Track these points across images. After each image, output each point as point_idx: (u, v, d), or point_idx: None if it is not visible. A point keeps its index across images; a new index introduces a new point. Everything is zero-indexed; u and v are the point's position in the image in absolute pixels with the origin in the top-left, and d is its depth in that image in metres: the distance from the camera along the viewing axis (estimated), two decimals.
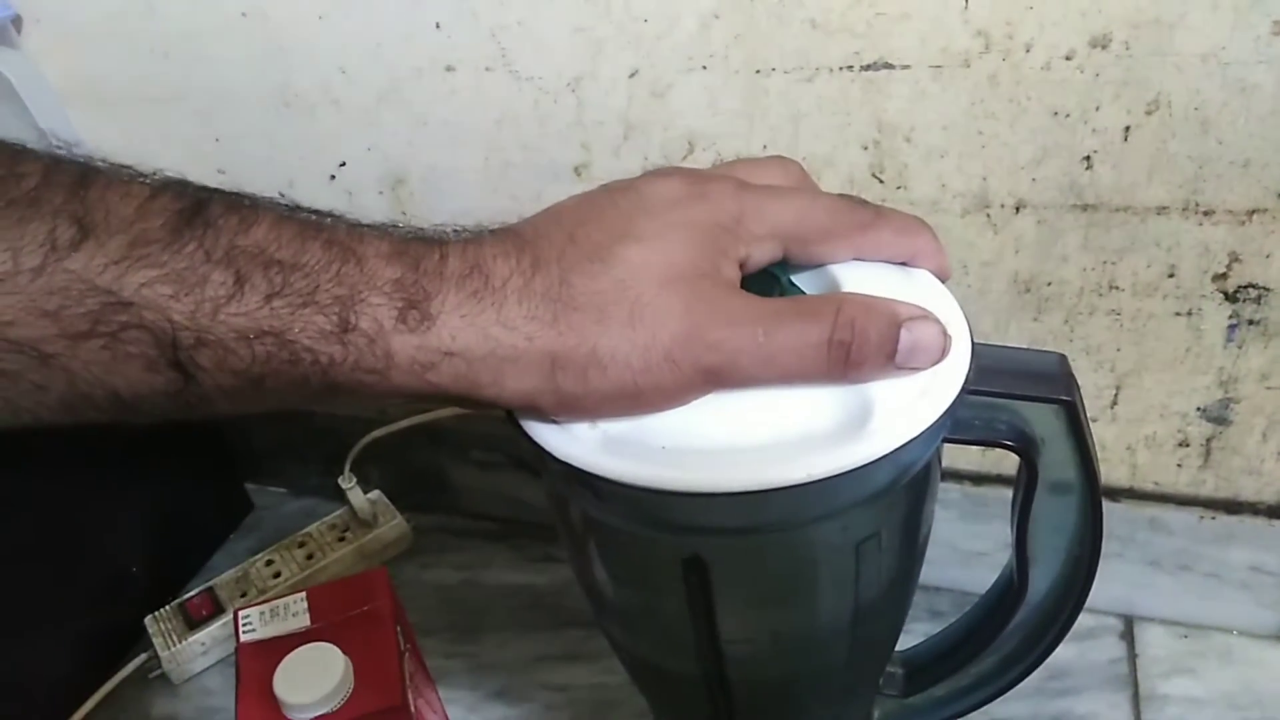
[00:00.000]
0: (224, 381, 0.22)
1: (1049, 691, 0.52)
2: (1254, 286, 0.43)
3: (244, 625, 0.41)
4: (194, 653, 0.61)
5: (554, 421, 0.25)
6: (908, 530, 0.27)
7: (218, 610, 0.62)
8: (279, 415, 0.73)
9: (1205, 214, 0.41)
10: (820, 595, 0.26)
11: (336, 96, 0.51)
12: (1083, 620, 0.54)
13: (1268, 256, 0.42)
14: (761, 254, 0.25)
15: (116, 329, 0.21)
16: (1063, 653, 0.53)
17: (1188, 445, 0.49)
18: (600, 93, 0.46)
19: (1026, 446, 0.27)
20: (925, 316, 0.24)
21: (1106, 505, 0.51)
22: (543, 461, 0.26)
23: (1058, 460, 0.27)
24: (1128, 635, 0.54)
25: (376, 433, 0.64)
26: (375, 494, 0.68)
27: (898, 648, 0.34)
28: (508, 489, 0.65)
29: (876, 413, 0.24)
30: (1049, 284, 0.45)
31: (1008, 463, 0.53)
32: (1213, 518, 0.50)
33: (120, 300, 0.20)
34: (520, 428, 0.26)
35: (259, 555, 0.65)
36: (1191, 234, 0.42)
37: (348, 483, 0.65)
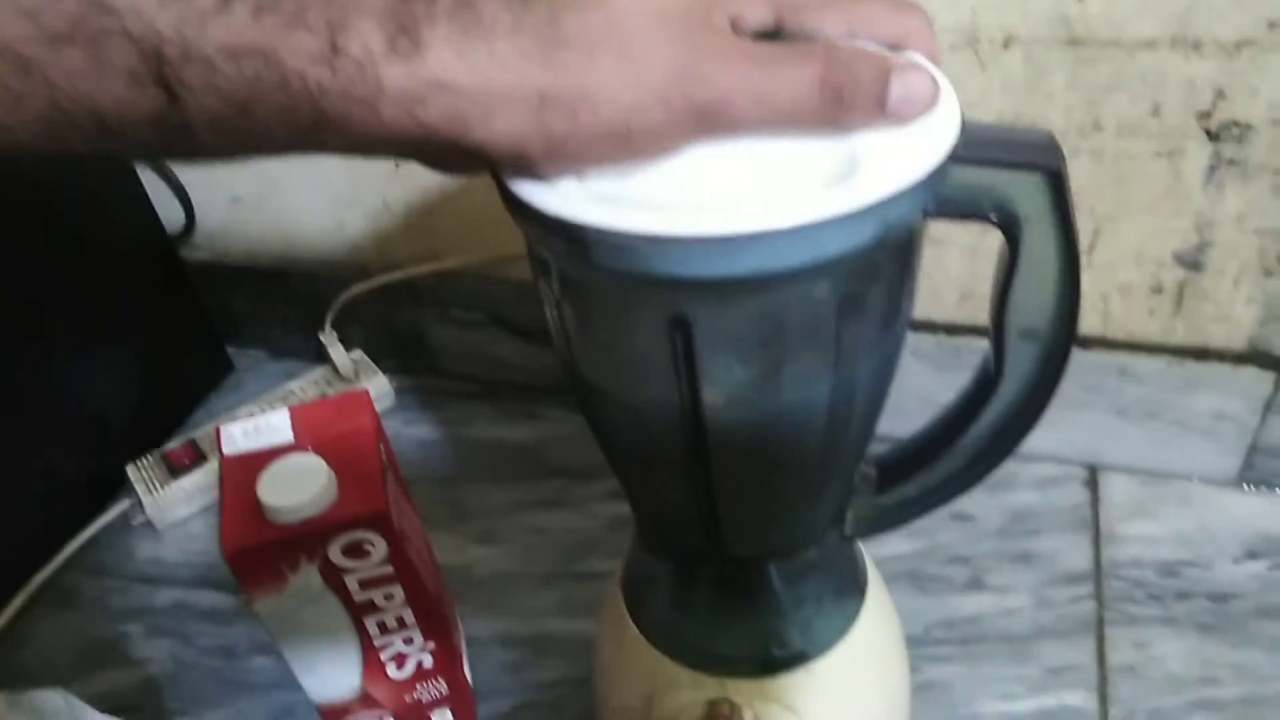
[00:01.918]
0: (209, 104, 0.22)
1: (1013, 533, 0.55)
2: (1237, 124, 0.43)
3: (226, 440, 0.42)
4: (177, 499, 0.61)
5: (541, 180, 0.25)
6: (889, 302, 0.28)
7: (200, 458, 0.62)
8: (259, 275, 0.73)
9: (1194, 47, 0.41)
10: (801, 357, 0.27)
11: None
12: (1047, 469, 0.57)
13: (1253, 92, 0.42)
14: (754, 14, 0.25)
15: (98, 34, 0.20)
16: (1027, 498, 0.56)
17: (1161, 291, 0.50)
18: None
19: (1010, 223, 0.27)
20: (916, 66, 0.24)
21: (1077, 353, 0.52)
22: (527, 220, 0.26)
23: (1040, 239, 0.27)
24: (1091, 483, 0.56)
25: (357, 288, 0.64)
26: (357, 353, 0.69)
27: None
28: (489, 348, 0.66)
29: (863, 166, 0.24)
30: (1034, 124, 0.45)
31: (982, 313, 0.54)
32: (1181, 365, 0.51)
33: (102, 3, 0.20)
34: (506, 188, 0.26)
35: (241, 409, 0.66)
36: (1178, 69, 0.42)
37: (329, 338, 0.65)
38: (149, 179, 0.65)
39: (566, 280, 0.28)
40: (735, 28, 0.25)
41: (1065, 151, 0.26)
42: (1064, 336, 0.29)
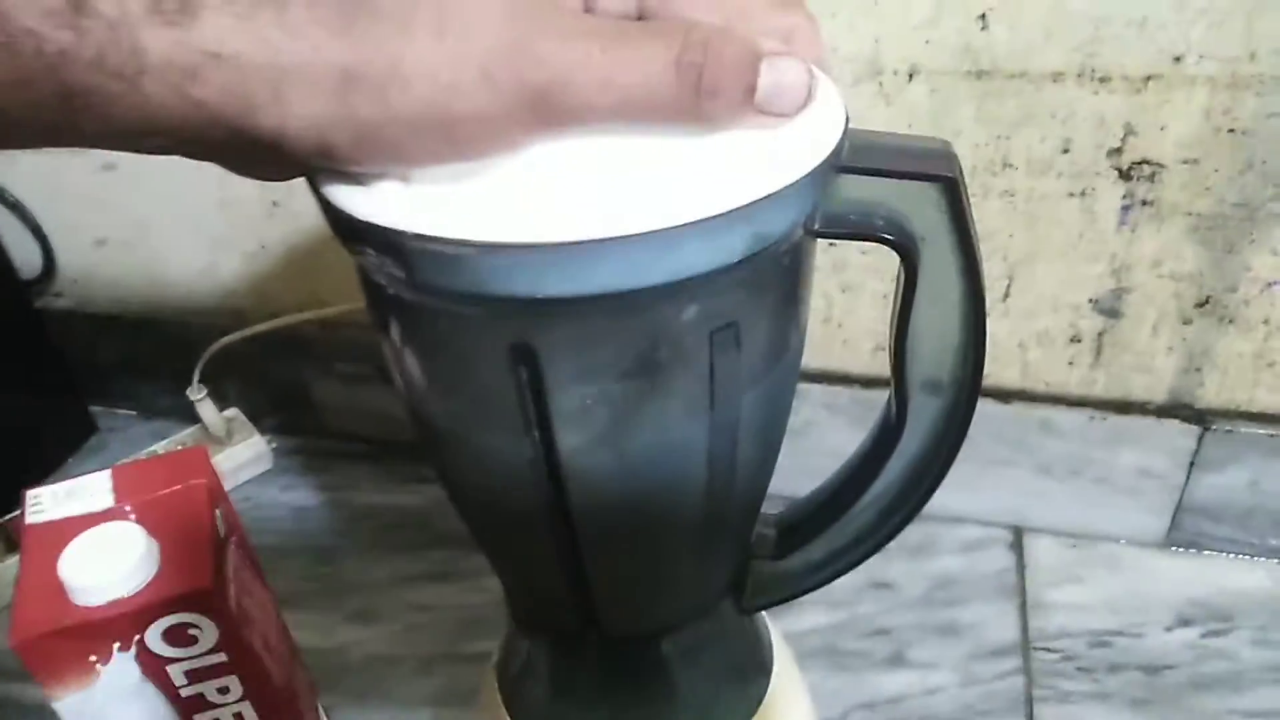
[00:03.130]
0: None
1: (936, 601, 0.51)
2: (1148, 162, 0.41)
3: (32, 506, 0.36)
4: (11, 577, 0.54)
5: (360, 184, 0.21)
6: (772, 333, 0.24)
7: None
8: (123, 324, 0.67)
9: (1101, 80, 0.40)
10: (670, 396, 0.23)
11: None
12: (971, 532, 0.54)
13: (1162, 129, 0.40)
14: None
15: None
16: (951, 563, 0.53)
17: (1079, 340, 0.47)
18: None
19: (905, 241, 0.24)
20: (789, 54, 0.21)
21: (997, 408, 0.50)
22: (339, 229, 0.22)
23: (939, 259, 0.24)
24: (1016, 545, 0.53)
25: (229, 338, 0.58)
26: (232, 411, 0.63)
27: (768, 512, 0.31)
28: (376, 405, 0.61)
29: (729, 167, 0.20)
30: None
31: None
32: (1103, 418, 0.48)
33: None
34: (316, 189, 0.22)
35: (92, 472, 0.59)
36: (1087, 103, 0.40)
37: (197, 394, 0.59)
38: (1, 218, 0.59)
39: (395, 306, 0.23)
40: (589, 10, 0.22)
41: (976, 190, 0.23)
42: (971, 373, 0.26)
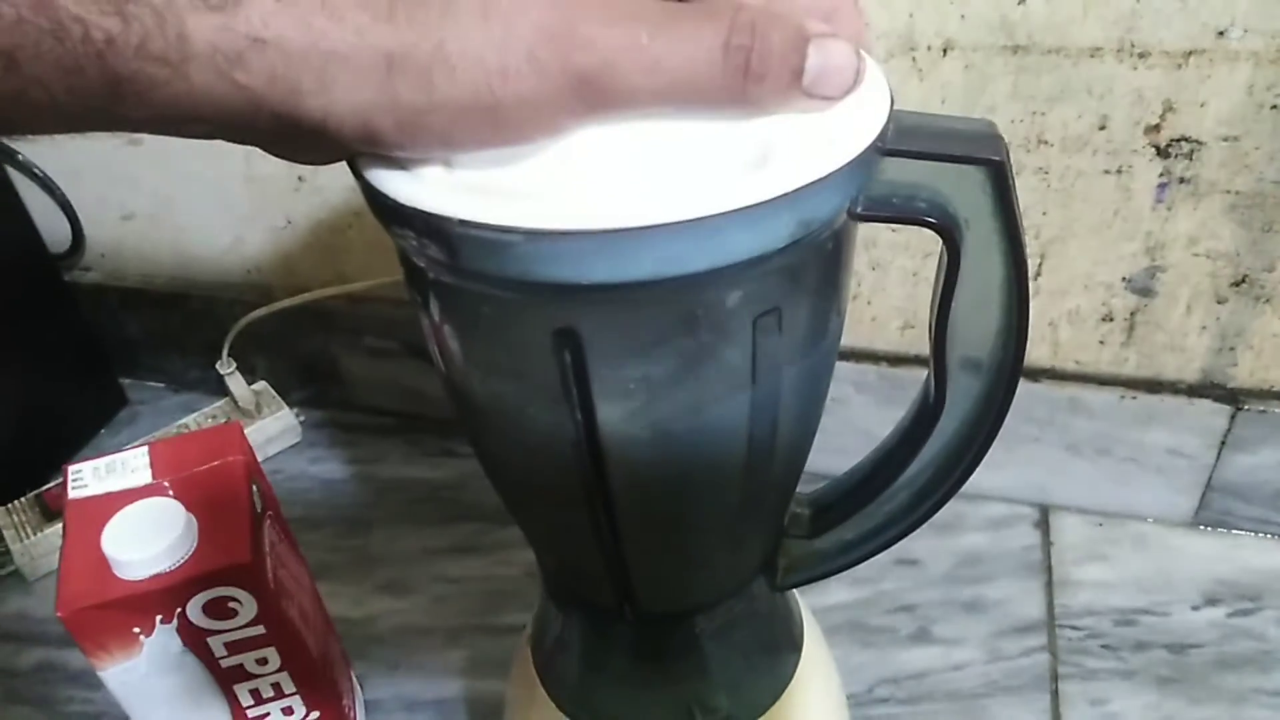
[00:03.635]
0: None
1: (962, 578, 0.51)
2: (1186, 139, 0.41)
3: (73, 480, 0.36)
4: (51, 546, 0.55)
5: (402, 168, 0.21)
6: (814, 317, 0.24)
7: None
8: (152, 298, 0.68)
9: (1140, 56, 0.39)
10: (712, 380, 0.23)
11: None
12: (997, 509, 0.54)
13: (1202, 105, 0.40)
14: None
15: None
16: (977, 540, 0.53)
17: (1111, 319, 0.47)
18: None
19: (949, 225, 0.23)
20: (836, 36, 0.20)
21: (1026, 386, 0.50)
22: (384, 214, 0.22)
23: (983, 243, 0.24)
24: (1043, 524, 0.53)
25: (258, 312, 0.58)
26: (260, 385, 0.63)
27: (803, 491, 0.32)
28: (403, 379, 0.61)
29: (777, 153, 0.20)
30: None
31: (925, 342, 0.51)
32: (1134, 398, 0.48)
33: None
34: (361, 175, 0.22)
35: (130, 448, 0.60)
36: (1125, 79, 0.40)
37: (226, 368, 0.60)
38: (30, 193, 0.60)
39: (439, 291, 0.23)
40: None
41: (1010, 168, 0.23)
42: (1012, 358, 0.26)
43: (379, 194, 0.21)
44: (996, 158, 0.22)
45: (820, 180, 0.20)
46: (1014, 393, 0.26)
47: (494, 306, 0.22)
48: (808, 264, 0.23)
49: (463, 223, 0.20)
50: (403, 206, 0.21)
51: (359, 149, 0.21)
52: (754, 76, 0.19)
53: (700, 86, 0.19)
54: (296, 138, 0.20)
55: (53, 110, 0.19)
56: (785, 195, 0.20)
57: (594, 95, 0.19)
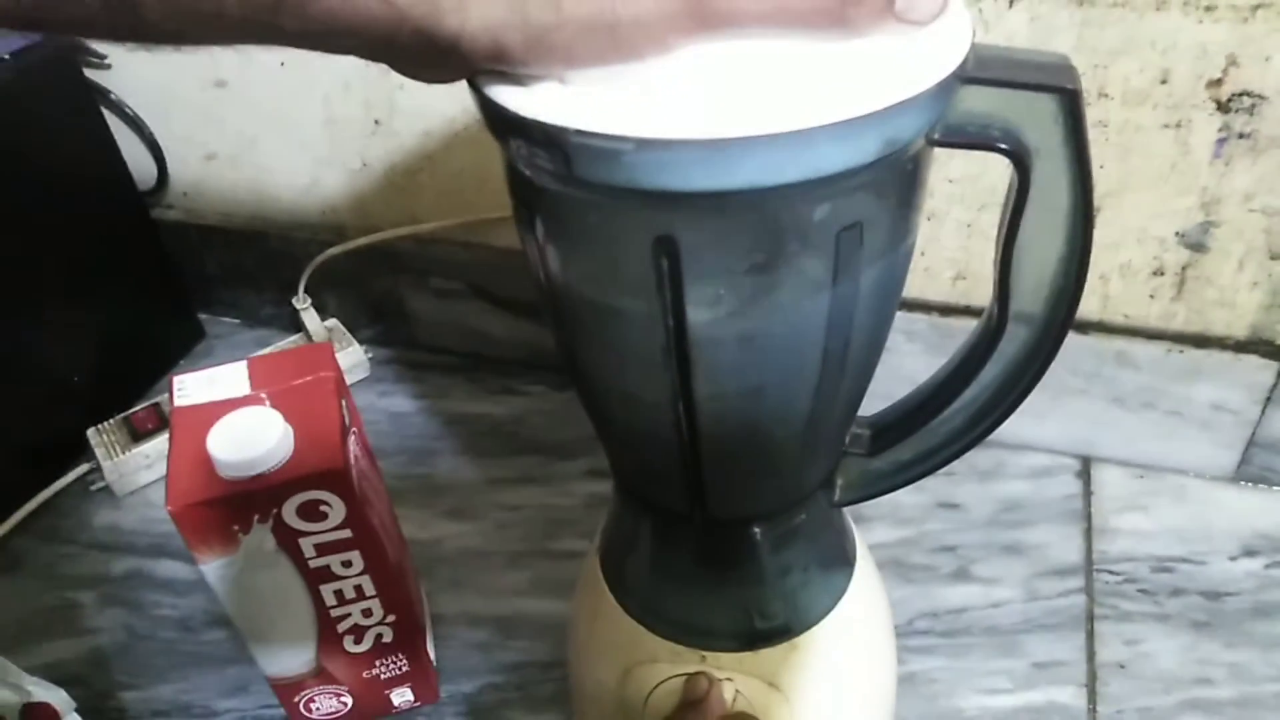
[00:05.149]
0: None
1: (1003, 522, 0.53)
2: (1248, 94, 0.42)
3: (178, 390, 0.39)
4: (137, 465, 0.59)
5: (520, 84, 0.23)
6: (890, 237, 0.26)
7: (163, 424, 0.60)
8: (233, 236, 0.70)
9: (1207, 9, 0.40)
10: (793, 291, 0.25)
11: None
12: (1039, 459, 0.56)
13: (1267, 59, 0.40)
14: None
15: None
16: (1018, 488, 0.55)
17: (1162, 274, 0.48)
18: None
19: (1020, 153, 0.25)
20: None
21: (1074, 338, 0.50)
22: (503, 127, 0.24)
23: (1052, 172, 0.26)
24: (1084, 474, 0.55)
25: (333, 250, 0.61)
26: (332, 321, 0.66)
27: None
28: (467, 320, 0.64)
29: (868, 74, 0.22)
30: None
31: (977, 293, 0.52)
32: (1180, 352, 0.49)
33: None
34: (481, 91, 0.24)
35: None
36: (1190, 33, 0.41)
37: (302, 303, 0.63)
38: (121, 132, 0.63)
39: (548, 201, 0.26)
40: None
41: (1082, 98, 0.25)
42: (1073, 283, 0.28)
43: (499, 107, 0.24)
44: (1071, 86, 0.24)
45: (907, 101, 0.22)
46: (1073, 316, 0.28)
47: (600, 214, 0.24)
48: (889, 183, 0.24)
49: (579, 132, 0.22)
50: (522, 118, 0.23)
51: (487, 65, 0.23)
52: (852, 1, 0.21)
53: (802, 9, 0.21)
54: (431, 54, 0.23)
55: (219, 20, 0.21)
56: (874, 114, 0.22)
57: (705, 16, 0.21)
